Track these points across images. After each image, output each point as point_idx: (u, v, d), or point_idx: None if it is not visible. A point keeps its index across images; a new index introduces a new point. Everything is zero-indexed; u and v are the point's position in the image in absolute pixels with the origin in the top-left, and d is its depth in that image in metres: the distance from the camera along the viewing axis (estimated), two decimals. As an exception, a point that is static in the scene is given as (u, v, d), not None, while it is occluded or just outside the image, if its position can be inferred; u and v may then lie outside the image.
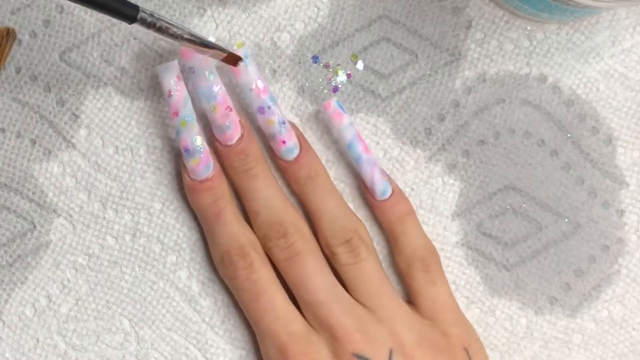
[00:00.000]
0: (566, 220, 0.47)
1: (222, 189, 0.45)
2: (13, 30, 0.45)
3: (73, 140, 0.46)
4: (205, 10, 0.46)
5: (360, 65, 0.46)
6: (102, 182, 0.47)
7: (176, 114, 0.44)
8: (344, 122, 0.45)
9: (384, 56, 0.46)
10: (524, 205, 0.47)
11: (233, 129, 0.44)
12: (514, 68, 0.47)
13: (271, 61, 0.46)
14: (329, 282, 0.44)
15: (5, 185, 0.46)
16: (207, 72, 0.44)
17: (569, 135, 0.47)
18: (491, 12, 0.46)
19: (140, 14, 0.38)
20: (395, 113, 0.47)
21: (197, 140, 0.44)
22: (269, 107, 0.44)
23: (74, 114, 0.46)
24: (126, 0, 0.37)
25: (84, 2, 0.36)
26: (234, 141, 0.44)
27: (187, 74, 0.44)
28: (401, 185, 0.47)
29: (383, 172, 0.46)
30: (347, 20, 0.46)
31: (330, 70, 0.47)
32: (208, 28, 0.46)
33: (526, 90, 0.47)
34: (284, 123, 0.44)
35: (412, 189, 0.47)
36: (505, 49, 0.47)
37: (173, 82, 0.44)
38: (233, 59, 0.43)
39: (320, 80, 0.47)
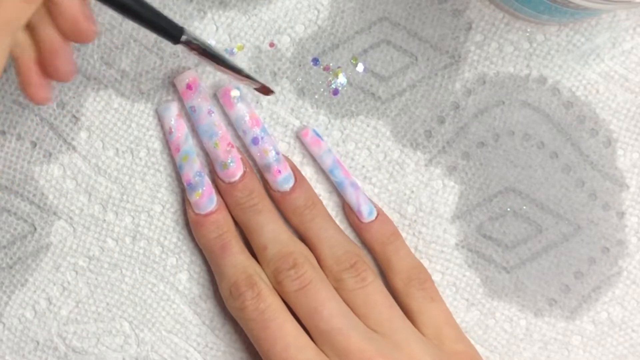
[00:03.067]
0: (566, 222, 0.47)
1: (227, 222, 0.45)
2: (13, 32, 0.45)
3: (73, 143, 0.46)
4: (205, 13, 0.46)
5: (360, 67, 0.47)
6: (102, 184, 0.47)
7: (177, 149, 0.45)
8: (323, 149, 0.46)
9: (384, 59, 0.46)
10: (524, 207, 0.47)
11: (236, 165, 0.45)
12: (513, 70, 0.47)
13: (271, 64, 0.46)
14: (343, 309, 0.43)
15: (6, 187, 0.46)
16: (207, 111, 0.45)
17: (568, 137, 0.47)
18: (491, 14, 0.46)
19: (184, 36, 0.40)
20: (395, 115, 0.47)
21: (200, 175, 0.45)
22: (262, 138, 0.45)
23: (74, 116, 0.46)
24: (172, 21, 0.39)
25: (133, 17, 0.38)
26: (237, 177, 0.45)
27: (189, 113, 0.45)
28: (401, 188, 0.47)
29: (364, 194, 0.46)
30: (347, 22, 0.46)
31: (331, 72, 0.47)
32: (208, 30, 0.46)
33: (526, 92, 0.47)
34: (278, 153, 0.45)
35: (412, 192, 0.47)
36: (505, 51, 0.47)
37: (173, 120, 0.45)
38: (265, 90, 0.44)
39: (320, 82, 0.47)
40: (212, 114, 0.45)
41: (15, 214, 0.47)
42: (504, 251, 0.47)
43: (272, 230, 0.45)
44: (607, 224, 0.47)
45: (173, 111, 0.45)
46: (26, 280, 0.47)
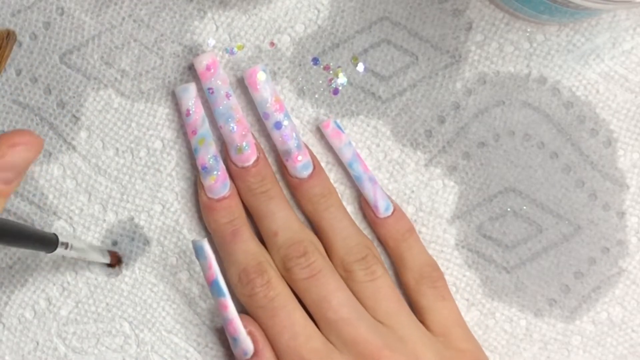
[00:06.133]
0: (566, 222, 0.47)
1: (238, 208, 0.45)
2: (13, 32, 0.45)
3: (73, 143, 0.46)
4: (205, 13, 0.46)
5: (360, 67, 0.46)
6: (102, 184, 0.47)
7: (194, 132, 0.45)
8: (343, 141, 0.45)
9: (384, 58, 0.46)
10: (524, 207, 0.47)
11: (250, 150, 0.45)
12: (514, 70, 0.47)
13: (271, 63, 0.46)
14: (351, 299, 0.44)
15: (5, 187, 0.46)
16: (225, 94, 0.45)
17: (568, 137, 0.47)
18: (491, 14, 0.46)
19: (60, 241, 0.41)
20: (395, 115, 0.47)
21: (215, 159, 0.44)
22: (285, 123, 0.45)
23: (74, 116, 0.46)
24: (46, 233, 0.40)
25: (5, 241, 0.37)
26: (250, 162, 0.45)
27: (206, 95, 0.45)
28: (401, 188, 0.47)
29: (382, 189, 0.46)
30: (348, 22, 0.46)
31: (331, 72, 0.47)
32: (208, 30, 0.46)
33: (526, 92, 0.47)
34: (299, 139, 0.45)
35: (412, 191, 0.47)
36: (506, 51, 0.47)
37: (192, 102, 0.45)
38: (115, 258, 0.46)
39: (320, 82, 0.47)
40: (230, 97, 0.45)
41: (15, 213, 0.47)
42: (504, 251, 0.47)
43: (283, 217, 0.45)
44: (607, 224, 0.47)
45: (191, 92, 0.45)
46: (26, 280, 0.47)
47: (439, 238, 0.47)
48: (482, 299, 0.47)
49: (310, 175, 0.45)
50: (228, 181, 0.45)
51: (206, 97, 0.45)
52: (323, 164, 0.47)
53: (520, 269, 0.47)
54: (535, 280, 0.47)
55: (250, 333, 0.43)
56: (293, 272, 0.44)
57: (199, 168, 0.45)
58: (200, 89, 0.46)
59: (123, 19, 0.46)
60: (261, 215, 0.45)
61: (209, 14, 0.46)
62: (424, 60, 0.46)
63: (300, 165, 0.45)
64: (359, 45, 0.46)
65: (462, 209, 0.47)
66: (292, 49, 0.47)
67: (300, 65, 0.47)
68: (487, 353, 0.47)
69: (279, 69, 0.46)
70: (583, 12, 0.42)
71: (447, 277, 0.47)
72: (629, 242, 0.47)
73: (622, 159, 0.47)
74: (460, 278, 0.47)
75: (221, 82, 0.45)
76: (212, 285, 0.42)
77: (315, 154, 0.46)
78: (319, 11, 0.46)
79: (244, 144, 0.44)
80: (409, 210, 0.47)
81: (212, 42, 0.46)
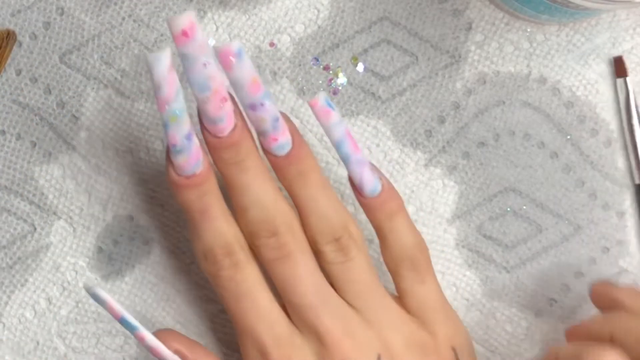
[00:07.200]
0: (566, 222, 0.47)
1: (210, 184, 0.41)
2: (13, 32, 0.45)
3: (73, 143, 0.46)
4: (205, 13, 0.46)
5: (360, 67, 0.47)
6: (102, 184, 0.47)
7: (164, 108, 0.38)
8: (332, 120, 0.41)
9: (384, 58, 0.46)
10: (524, 207, 0.47)
11: (226, 122, 0.40)
12: (514, 70, 0.47)
13: (271, 63, 0.47)
14: (318, 284, 0.42)
15: (6, 187, 0.46)
16: (202, 61, 0.38)
17: (568, 137, 0.47)
18: (491, 14, 0.46)
19: None
20: (395, 115, 0.47)
21: (188, 138, 0.39)
22: (261, 104, 0.40)
23: (74, 116, 0.46)
24: None
25: None
26: (225, 133, 0.40)
27: (181, 61, 0.38)
28: (401, 188, 0.47)
29: (374, 169, 0.43)
30: (347, 22, 0.46)
31: (331, 72, 0.47)
32: (208, 30, 0.46)
33: (526, 92, 0.47)
34: (277, 120, 0.40)
35: (412, 191, 0.47)
36: (505, 51, 0.47)
37: (164, 74, 0.37)
38: None
39: (320, 82, 0.47)
40: (208, 66, 0.38)
41: (15, 214, 0.47)
42: (504, 251, 0.47)
43: (256, 192, 0.41)
44: (607, 224, 0.47)
45: (164, 63, 0.37)
46: (26, 280, 0.47)
47: (439, 238, 0.47)
48: (482, 299, 0.47)
49: (287, 154, 0.42)
50: (201, 158, 0.40)
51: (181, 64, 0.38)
52: (323, 164, 0.47)
53: (520, 269, 0.47)
54: (536, 280, 0.47)
55: (177, 351, 0.41)
56: (260, 251, 0.42)
57: (169, 146, 0.39)
58: (175, 56, 0.39)
59: (123, 19, 0.46)
60: (232, 187, 0.42)
61: (209, 14, 0.46)
62: (424, 60, 0.46)
63: (276, 146, 0.41)
64: (359, 45, 0.46)
65: (462, 209, 0.47)
66: (292, 49, 0.47)
67: (300, 65, 0.47)
68: (488, 354, 0.47)
69: (279, 69, 0.47)
70: (583, 12, 0.42)
71: (447, 277, 0.47)
72: (629, 242, 0.47)
73: (622, 159, 0.47)
74: (460, 278, 0.47)
75: (198, 49, 0.38)
76: (121, 323, 0.39)
77: (315, 154, 0.46)
78: (319, 11, 0.46)
79: (220, 115, 0.39)
80: (409, 210, 0.47)
81: (212, 42, 0.46)
